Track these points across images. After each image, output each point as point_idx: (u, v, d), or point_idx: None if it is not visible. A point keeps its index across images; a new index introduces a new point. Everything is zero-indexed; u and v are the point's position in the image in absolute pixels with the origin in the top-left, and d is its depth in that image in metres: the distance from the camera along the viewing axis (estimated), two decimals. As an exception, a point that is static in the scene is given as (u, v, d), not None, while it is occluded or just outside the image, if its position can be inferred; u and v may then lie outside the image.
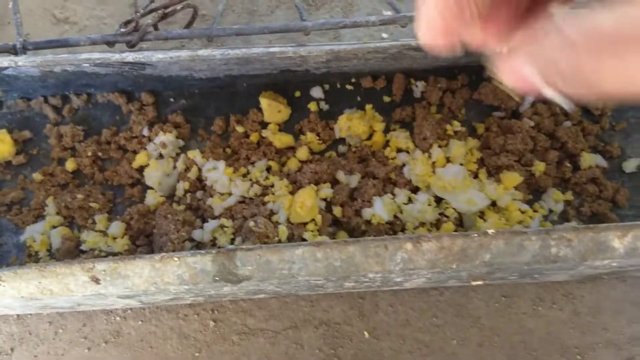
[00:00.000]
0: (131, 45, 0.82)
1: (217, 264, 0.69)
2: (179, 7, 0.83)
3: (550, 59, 0.28)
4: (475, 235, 0.69)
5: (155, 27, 0.85)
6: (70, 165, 0.93)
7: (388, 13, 1.01)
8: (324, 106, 0.97)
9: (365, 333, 0.86)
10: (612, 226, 0.68)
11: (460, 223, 0.89)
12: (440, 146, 0.90)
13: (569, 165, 0.90)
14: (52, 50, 0.86)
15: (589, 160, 0.89)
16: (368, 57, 0.87)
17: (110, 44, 0.83)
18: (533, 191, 0.90)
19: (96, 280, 0.69)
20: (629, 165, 0.90)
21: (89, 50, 0.85)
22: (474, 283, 0.85)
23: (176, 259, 0.68)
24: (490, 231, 0.68)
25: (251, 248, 0.68)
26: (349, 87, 0.98)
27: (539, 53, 0.29)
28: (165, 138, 0.92)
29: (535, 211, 0.88)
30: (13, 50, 0.83)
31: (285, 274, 0.70)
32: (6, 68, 0.80)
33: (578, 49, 0.26)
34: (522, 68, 0.30)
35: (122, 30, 0.82)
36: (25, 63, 0.79)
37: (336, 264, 0.70)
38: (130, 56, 0.80)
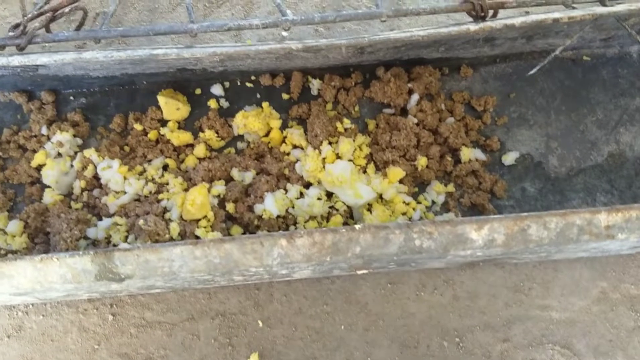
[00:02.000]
0: (20, 49, 0.83)
1: (97, 264, 0.72)
2: (67, 9, 0.85)
3: None
4: (344, 230, 0.73)
5: (47, 29, 0.86)
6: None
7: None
8: (224, 103, 1.00)
9: (260, 322, 0.91)
10: (467, 220, 0.73)
11: (350, 215, 0.93)
12: (330, 143, 0.94)
13: (450, 159, 0.95)
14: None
15: (468, 154, 0.94)
16: (261, 57, 0.90)
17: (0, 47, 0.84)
18: (418, 184, 0.95)
19: (-19, 280, 0.72)
20: (508, 159, 0.96)
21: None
22: (359, 272, 0.90)
23: (56, 259, 0.71)
24: (357, 226, 0.73)
25: (129, 248, 0.71)
26: (248, 84, 1.01)
27: None
28: (62, 137, 0.93)
29: (418, 203, 0.93)
30: None
31: (166, 271, 0.73)
32: None
33: None
34: None
35: (11, 34, 0.83)
36: None
37: (215, 260, 0.74)
38: (16, 60, 0.81)
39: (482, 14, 0.82)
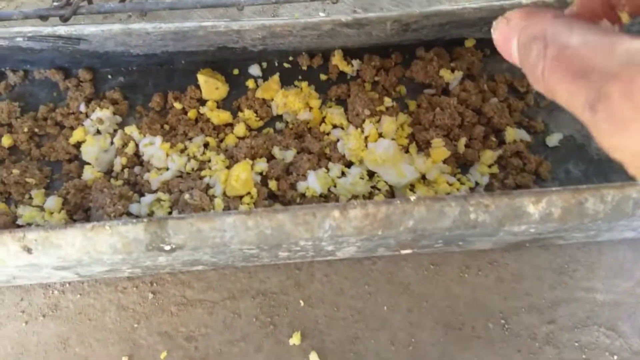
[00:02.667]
0: (64, 19, 0.82)
1: (149, 232, 0.71)
2: (113, -19, 0.84)
3: (529, 54, 0.31)
4: (399, 202, 0.72)
5: (90, 1, 0.85)
6: (6, 141, 0.92)
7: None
8: (262, 84, 0.99)
9: (301, 302, 0.89)
10: (526, 192, 0.72)
11: (392, 195, 0.92)
12: (372, 122, 0.93)
13: (494, 139, 0.94)
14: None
15: (513, 134, 0.93)
16: (303, 33, 0.90)
17: (43, 18, 0.83)
18: (461, 165, 0.94)
19: (28, 250, 0.70)
20: (552, 140, 0.95)
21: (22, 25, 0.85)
22: (403, 252, 0.89)
23: (108, 227, 0.70)
24: (412, 198, 0.72)
25: (183, 217, 0.70)
26: (286, 65, 1.01)
27: (527, 43, 0.32)
28: (102, 114, 0.92)
29: (462, 184, 0.92)
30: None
31: (217, 242, 0.72)
32: None
33: (551, 66, 0.29)
34: (509, 39, 0.34)
35: (55, 4, 0.82)
36: (-46, 36, 0.79)
37: (267, 232, 0.72)
38: (62, 29, 0.80)
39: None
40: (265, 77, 1.00)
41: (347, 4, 1.06)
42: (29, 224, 0.88)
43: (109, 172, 0.93)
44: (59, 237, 0.70)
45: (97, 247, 0.71)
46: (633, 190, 0.72)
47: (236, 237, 0.72)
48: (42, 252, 0.70)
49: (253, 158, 0.90)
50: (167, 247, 0.71)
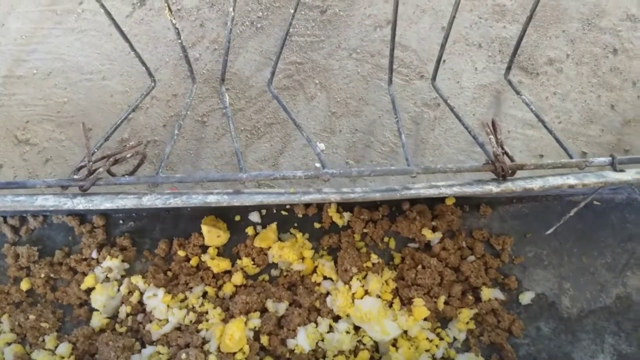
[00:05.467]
0: (83, 190, 0.91)
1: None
2: (128, 154, 0.93)
3: None
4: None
5: (109, 172, 0.94)
6: (24, 285, 1.01)
7: (317, 165, 1.13)
8: (261, 230, 1.08)
9: None
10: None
11: (377, 349, 1.00)
12: (359, 279, 1.01)
13: (471, 297, 1.02)
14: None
15: (489, 294, 1.01)
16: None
17: (64, 187, 0.92)
18: (441, 319, 1.02)
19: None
20: (525, 298, 1.03)
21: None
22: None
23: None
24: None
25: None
26: (283, 212, 1.10)
27: None
28: (112, 263, 1.01)
29: (441, 339, 1.00)
30: (-26, 189, 0.92)
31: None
32: (-34, 212, 0.89)
33: None
34: None
35: (75, 176, 0.92)
36: (-16, 208, 0.88)
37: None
38: (80, 205, 0.89)
39: (503, 173, 0.91)
40: (264, 224, 1.09)
41: (340, 156, 1.15)
42: (42, 368, 0.96)
43: (114, 317, 1.01)
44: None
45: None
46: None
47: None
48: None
49: (247, 313, 0.98)
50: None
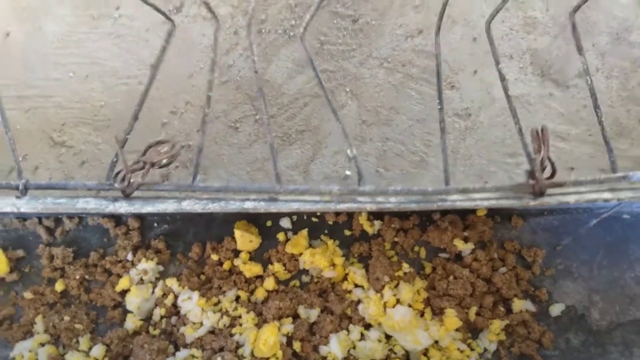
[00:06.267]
0: (126, 195, 0.92)
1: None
2: (165, 160, 0.94)
3: None
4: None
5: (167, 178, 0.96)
6: (59, 286, 1.02)
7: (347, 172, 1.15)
8: (291, 236, 1.09)
9: None
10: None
11: (408, 358, 1.00)
12: (390, 288, 1.01)
13: (502, 308, 1.02)
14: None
15: (520, 305, 1.02)
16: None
17: (104, 190, 0.93)
18: (472, 330, 1.02)
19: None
20: (555, 310, 1.03)
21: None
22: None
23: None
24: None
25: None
26: (314, 219, 1.10)
27: None
28: (147, 265, 1.02)
29: (472, 349, 1.00)
30: (16, 190, 0.93)
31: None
32: (8, 214, 0.90)
33: None
34: None
35: (116, 185, 0.92)
36: (27, 210, 0.89)
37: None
38: (122, 208, 0.90)
39: (541, 192, 0.91)
40: (295, 230, 1.10)
41: (371, 164, 1.16)
42: (76, 369, 0.97)
43: (148, 319, 1.02)
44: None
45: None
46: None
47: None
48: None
49: (280, 318, 0.99)
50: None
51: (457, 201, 0.93)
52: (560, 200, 0.91)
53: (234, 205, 0.92)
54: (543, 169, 0.90)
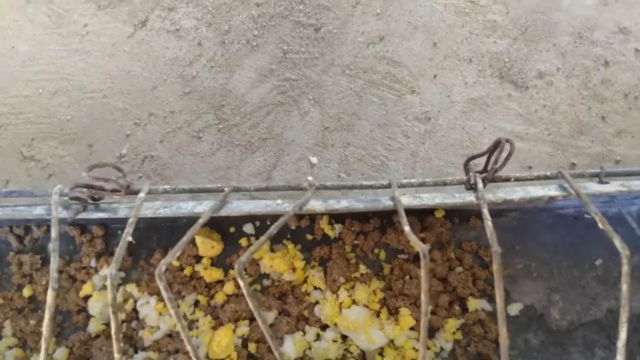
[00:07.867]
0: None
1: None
2: (109, 188, 0.97)
3: None
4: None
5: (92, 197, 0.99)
6: (27, 292, 1.06)
7: (314, 159, 1.16)
8: (254, 241, 1.11)
9: None
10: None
11: (364, 358, 1.01)
12: (346, 289, 1.03)
13: (458, 307, 1.03)
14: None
15: (475, 304, 1.02)
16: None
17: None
18: (428, 329, 1.03)
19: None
20: (513, 309, 1.03)
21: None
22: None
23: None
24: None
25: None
26: (277, 224, 1.12)
27: None
28: (109, 271, 1.05)
29: (428, 349, 1.01)
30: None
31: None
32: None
33: None
34: None
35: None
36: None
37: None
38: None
39: (471, 184, 0.92)
40: (257, 235, 1.12)
41: (332, 170, 1.18)
42: (39, 372, 1.00)
43: (109, 324, 1.04)
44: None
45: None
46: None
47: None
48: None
49: (236, 321, 1.01)
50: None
51: (405, 199, 0.94)
52: (504, 197, 0.91)
53: (185, 210, 0.95)
54: (494, 171, 0.91)
